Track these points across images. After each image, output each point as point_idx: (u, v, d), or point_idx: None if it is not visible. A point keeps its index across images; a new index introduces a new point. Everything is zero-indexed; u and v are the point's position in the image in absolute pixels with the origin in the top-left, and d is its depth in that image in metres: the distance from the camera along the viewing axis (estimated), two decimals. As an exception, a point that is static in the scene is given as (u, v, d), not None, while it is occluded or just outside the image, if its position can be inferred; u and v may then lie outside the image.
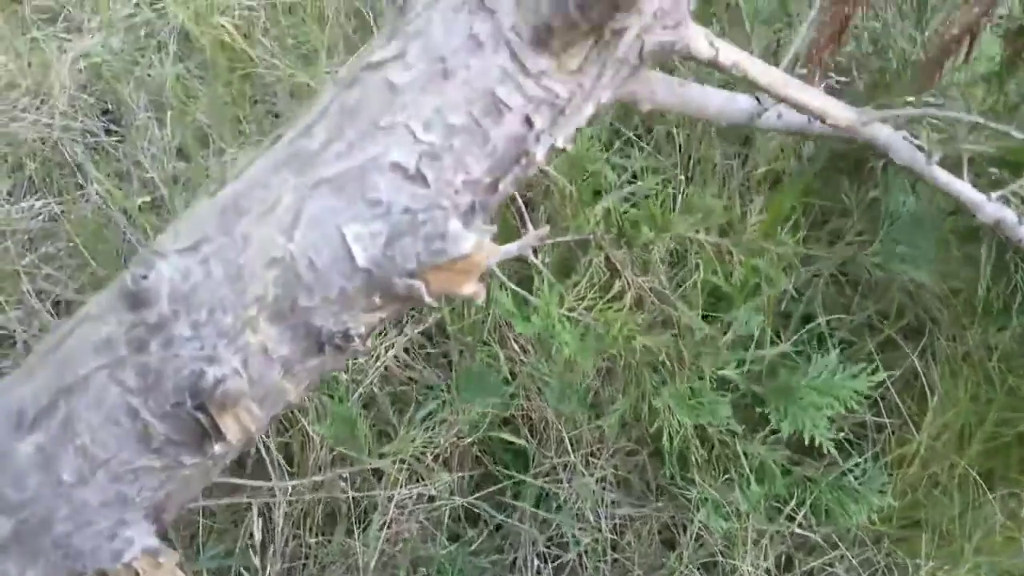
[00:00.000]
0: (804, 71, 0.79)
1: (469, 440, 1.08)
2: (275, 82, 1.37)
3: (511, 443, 1.09)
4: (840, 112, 0.67)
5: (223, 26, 1.37)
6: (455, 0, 0.51)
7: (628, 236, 0.98)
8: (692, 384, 0.98)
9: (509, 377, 1.06)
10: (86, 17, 1.49)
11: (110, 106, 1.45)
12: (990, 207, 0.79)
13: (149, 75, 1.43)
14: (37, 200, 1.33)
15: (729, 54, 0.62)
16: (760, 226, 0.99)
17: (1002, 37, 0.63)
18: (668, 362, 0.97)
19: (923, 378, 1.05)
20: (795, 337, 1.05)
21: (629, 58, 0.57)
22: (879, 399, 1.08)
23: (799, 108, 0.66)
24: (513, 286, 0.93)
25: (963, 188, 0.76)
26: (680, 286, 1.05)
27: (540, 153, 0.57)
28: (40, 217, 1.31)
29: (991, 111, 0.68)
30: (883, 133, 0.69)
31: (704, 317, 1.03)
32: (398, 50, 0.53)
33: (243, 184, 0.54)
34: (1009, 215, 0.81)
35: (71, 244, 1.24)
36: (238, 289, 0.51)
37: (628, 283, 0.95)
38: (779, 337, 1.06)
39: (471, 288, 0.54)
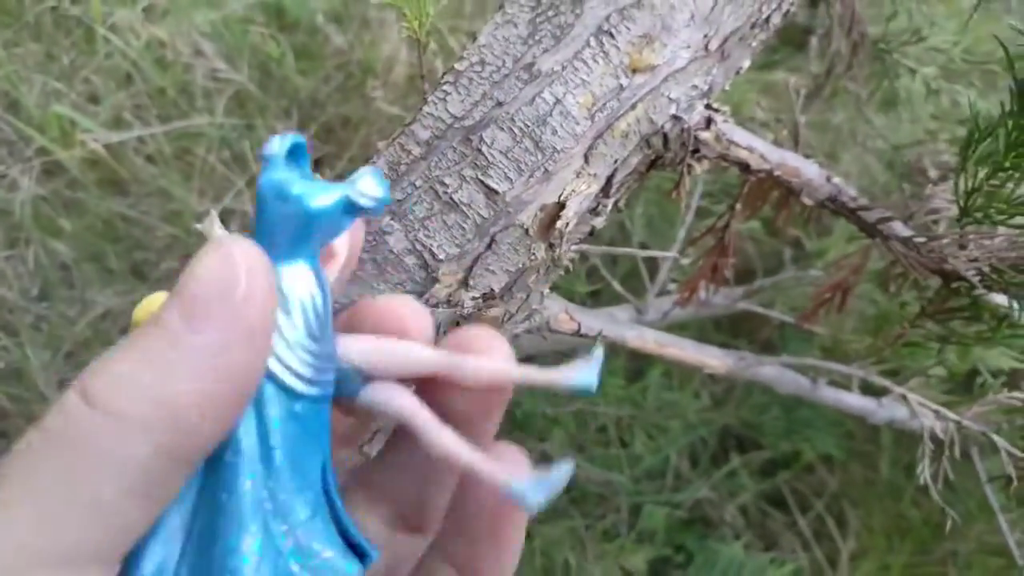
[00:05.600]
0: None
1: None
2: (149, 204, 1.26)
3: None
4: (718, 361, 0.62)
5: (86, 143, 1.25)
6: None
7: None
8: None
9: None
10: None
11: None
12: (882, 412, 0.76)
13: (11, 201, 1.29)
14: None
15: (592, 323, 0.57)
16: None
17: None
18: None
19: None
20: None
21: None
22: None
23: (676, 363, 0.61)
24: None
25: (853, 401, 0.73)
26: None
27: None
28: None
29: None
30: (764, 371, 0.65)
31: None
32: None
33: None
34: (901, 412, 0.79)
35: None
36: None
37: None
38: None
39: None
